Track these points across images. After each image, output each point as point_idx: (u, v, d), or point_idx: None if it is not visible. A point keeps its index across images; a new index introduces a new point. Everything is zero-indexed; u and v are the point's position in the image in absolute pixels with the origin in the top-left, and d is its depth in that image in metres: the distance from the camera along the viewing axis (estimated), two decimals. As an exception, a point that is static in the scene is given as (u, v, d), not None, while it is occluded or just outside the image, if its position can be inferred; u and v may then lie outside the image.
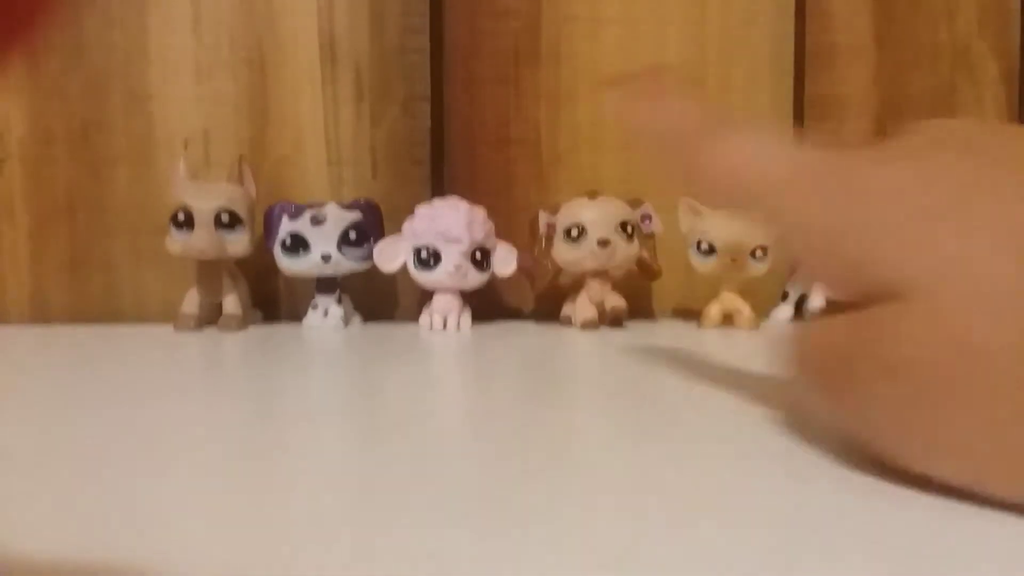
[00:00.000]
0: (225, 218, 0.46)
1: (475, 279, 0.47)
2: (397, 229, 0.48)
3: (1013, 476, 0.17)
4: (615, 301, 0.47)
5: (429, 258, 0.47)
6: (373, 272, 0.48)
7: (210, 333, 0.46)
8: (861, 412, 0.20)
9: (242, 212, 0.46)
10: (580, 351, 0.42)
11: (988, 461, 0.17)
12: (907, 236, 0.18)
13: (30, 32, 0.11)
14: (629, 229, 0.47)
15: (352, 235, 0.47)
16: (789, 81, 0.55)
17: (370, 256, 0.48)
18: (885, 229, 0.19)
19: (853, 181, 0.20)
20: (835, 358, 0.20)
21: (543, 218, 0.48)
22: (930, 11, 0.56)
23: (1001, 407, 0.17)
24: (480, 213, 0.47)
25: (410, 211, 0.48)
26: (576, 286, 0.49)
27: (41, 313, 0.52)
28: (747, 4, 0.55)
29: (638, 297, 0.52)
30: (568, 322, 0.49)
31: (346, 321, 0.49)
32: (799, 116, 0.55)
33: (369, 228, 0.48)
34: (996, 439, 0.17)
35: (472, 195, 0.49)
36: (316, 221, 0.47)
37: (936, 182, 0.19)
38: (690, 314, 0.52)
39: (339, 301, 0.48)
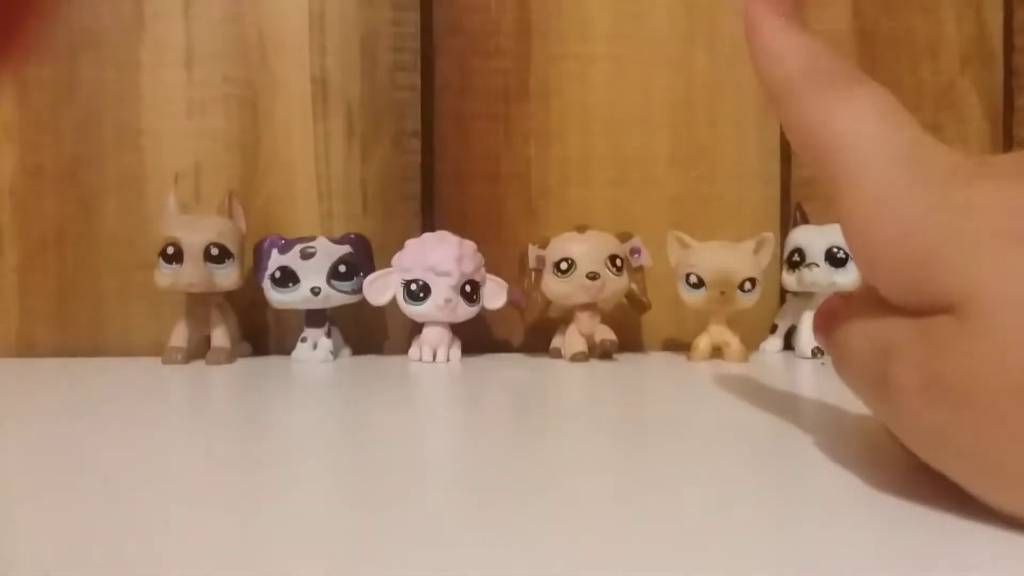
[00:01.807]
0: (214, 251, 0.46)
1: (465, 312, 0.47)
2: (387, 263, 0.48)
3: None
4: (605, 334, 0.47)
5: (419, 291, 0.47)
6: (363, 305, 0.48)
7: (198, 366, 0.46)
8: (896, 418, 0.19)
9: (231, 245, 0.47)
10: (570, 384, 0.42)
11: None
12: (987, 253, 0.18)
13: (16, 40, 0.11)
14: (618, 262, 0.47)
15: (342, 268, 0.47)
16: (775, 119, 0.56)
17: (360, 289, 0.48)
18: (969, 239, 0.18)
19: (955, 185, 0.19)
20: (874, 358, 0.20)
21: (533, 252, 0.48)
22: (913, 50, 0.57)
23: None
24: (470, 246, 0.48)
25: (400, 246, 0.48)
26: (566, 319, 0.49)
27: (28, 347, 0.52)
28: (734, 44, 0.55)
29: (628, 330, 0.52)
30: (558, 355, 0.49)
31: (335, 354, 0.48)
32: (786, 155, 0.56)
33: (359, 261, 0.48)
34: None
35: (462, 229, 0.49)
36: (306, 255, 0.47)
37: None
38: (679, 347, 0.52)
39: (328, 334, 0.48)
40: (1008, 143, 0.58)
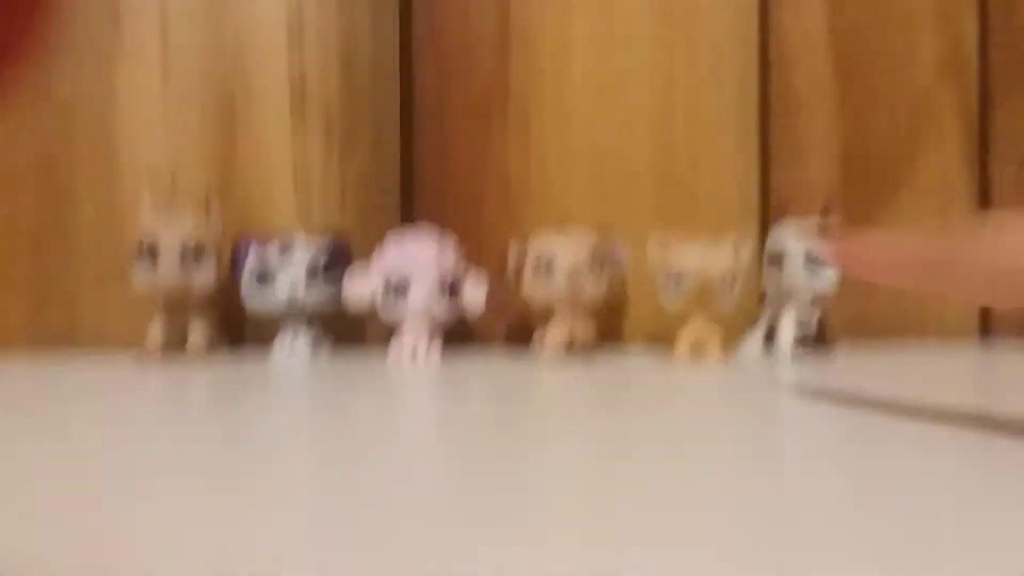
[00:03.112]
0: (191, 251, 0.45)
1: (444, 311, 0.47)
2: (366, 264, 0.48)
3: None
4: (585, 332, 0.47)
5: (398, 291, 0.47)
6: (341, 304, 0.48)
7: (175, 364, 0.45)
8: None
9: (208, 245, 0.46)
10: (549, 381, 0.42)
11: None
12: None
13: (13, 61, 0.11)
14: (599, 261, 0.47)
15: (320, 268, 0.47)
16: (754, 126, 0.56)
17: (338, 290, 0.47)
18: None
19: None
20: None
21: (513, 251, 0.48)
22: (890, 58, 0.58)
23: None
24: (449, 245, 0.47)
25: (379, 246, 0.48)
26: (546, 317, 0.48)
27: (2, 345, 0.51)
28: (713, 50, 0.56)
29: (608, 328, 0.52)
30: (538, 352, 0.48)
31: (314, 352, 0.48)
32: (765, 156, 0.56)
33: (337, 263, 0.48)
34: None
35: (442, 229, 0.49)
36: (283, 254, 0.46)
37: None
38: (660, 344, 0.52)
39: (307, 333, 0.48)
40: (983, 152, 0.59)
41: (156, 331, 0.46)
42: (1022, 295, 0.24)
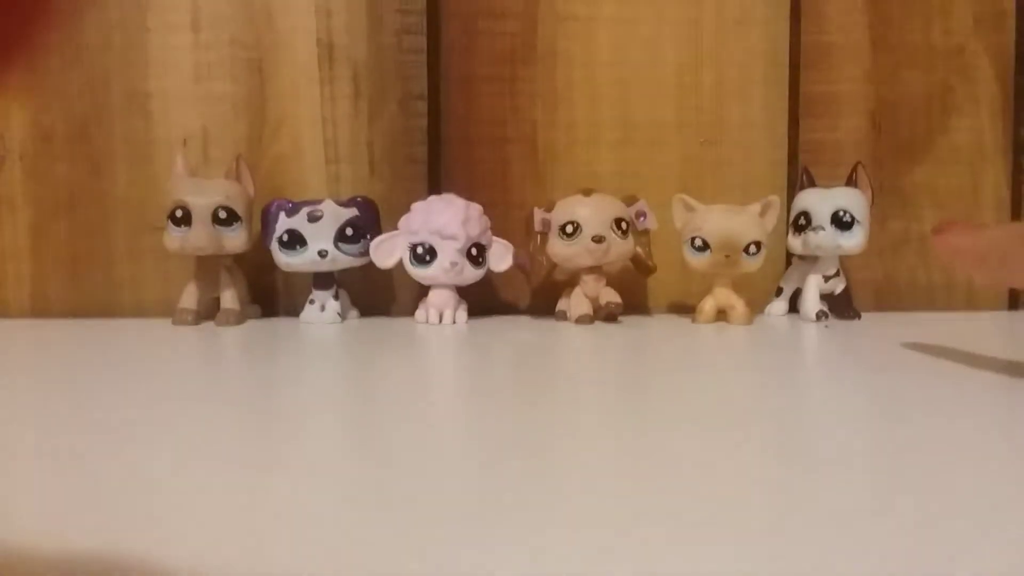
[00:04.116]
0: (222, 214, 0.46)
1: (471, 275, 0.48)
2: (394, 226, 0.48)
3: None
4: (610, 296, 0.48)
5: (425, 254, 0.47)
6: (370, 267, 0.48)
7: (208, 328, 0.46)
8: None
9: (239, 209, 0.47)
10: (575, 346, 0.42)
11: None
12: None
13: (28, 44, 0.11)
14: (623, 226, 0.47)
15: (349, 231, 0.47)
16: (784, 80, 0.55)
17: (367, 252, 0.48)
18: None
19: None
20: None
21: (538, 215, 0.48)
22: (925, 11, 0.56)
23: None
24: (476, 209, 0.48)
25: (407, 208, 0.48)
26: (571, 282, 0.49)
27: (41, 308, 0.52)
28: (742, 3, 0.55)
29: (633, 293, 0.52)
30: (563, 317, 0.49)
31: (343, 316, 0.49)
32: (794, 117, 0.56)
33: (366, 224, 0.48)
34: None
35: (468, 192, 0.49)
36: (313, 218, 0.47)
37: None
38: (685, 309, 0.52)
39: (336, 296, 0.49)
40: (1019, 105, 0.58)
41: (189, 294, 0.47)
42: None
